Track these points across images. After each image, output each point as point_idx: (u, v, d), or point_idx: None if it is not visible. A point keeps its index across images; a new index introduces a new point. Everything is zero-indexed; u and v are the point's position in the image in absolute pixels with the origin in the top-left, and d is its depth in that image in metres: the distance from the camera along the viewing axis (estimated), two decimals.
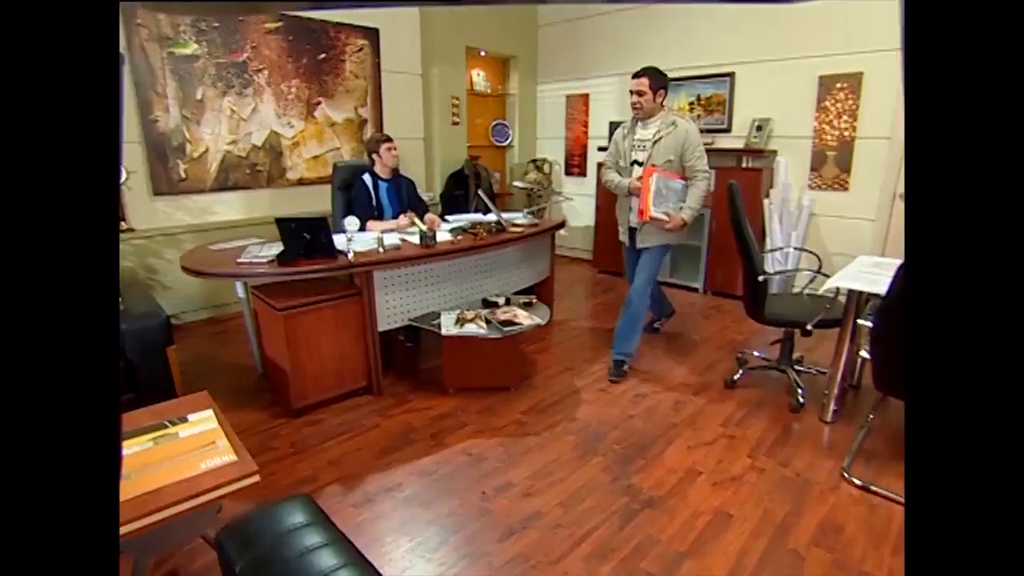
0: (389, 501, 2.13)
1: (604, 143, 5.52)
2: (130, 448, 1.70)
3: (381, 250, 2.81)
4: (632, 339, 3.17)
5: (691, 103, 5.06)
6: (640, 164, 3.05)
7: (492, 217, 3.54)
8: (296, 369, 2.67)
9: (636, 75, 3.01)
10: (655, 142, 2.99)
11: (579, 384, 3.09)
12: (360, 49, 4.69)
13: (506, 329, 2.71)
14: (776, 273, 4.18)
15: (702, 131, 4.86)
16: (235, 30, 4.00)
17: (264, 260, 2.69)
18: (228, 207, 4.24)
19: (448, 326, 2.77)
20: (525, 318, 2.82)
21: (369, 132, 4.89)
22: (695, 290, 4.93)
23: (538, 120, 6.32)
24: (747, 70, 4.69)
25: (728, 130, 4.86)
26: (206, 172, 4.07)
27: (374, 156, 3.45)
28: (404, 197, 3.53)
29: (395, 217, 3.49)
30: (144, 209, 3.84)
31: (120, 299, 2.66)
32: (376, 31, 4.74)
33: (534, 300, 3.11)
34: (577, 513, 2.05)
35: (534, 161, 6.05)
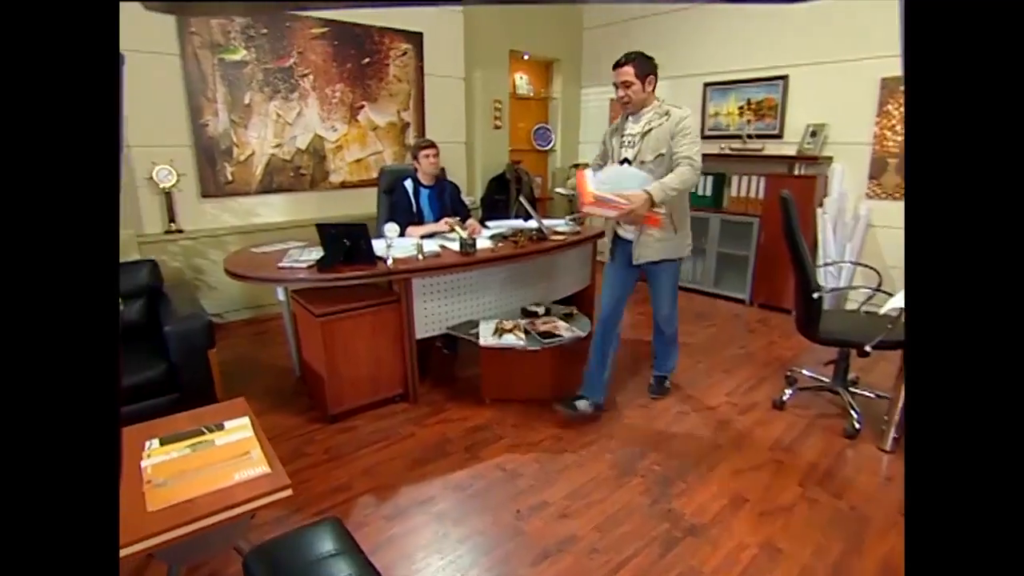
0: (421, 515, 2.09)
1: None
2: (168, 454, 1.70)
3: (420, 257, 2.78)
4: (672, 356, 3.03)
5: (740, 108, 4.88)
6: (630, 162, 2.62)
7: (533, 224, 3.48)
8: (332, 375, 2.66)
9: (618, 64, 2.57)
10: (644, 135, 2.56)
11: (619, 399, 2.99)
12: (404, 53, 4.70)
13: (546, 341, 2.64)
14: (833, 290, 3.98)
15: (751, 137, 4.71)
16: (283, 36, 4.06)
17: (304, 265, 2.70)
18: (272, 209, 4.31)
19: (486, 336, 2.72)
20: (565, 330, 2.75)
21: (411, 136, 4.90)
22: (741, 301, 4.75)
23: (581, 124, 6.22)
24: (802, 72, 4.49)
25: (780, 136, 4.67)
26: (252, 175, 4.15)
27: (415, 162, 3.45)
28: (447, 203, 3.49)
29: (434, 221, 3.47)
30: (192, 211, 3.93)
31: (120, 302, 2.68)
32: (420, 35, 4.74)
33: (574, 311, 3.03)
34: (614, 538, 1.97)
35: (576, 166, 5.96)
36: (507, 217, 4.83)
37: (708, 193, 4.89)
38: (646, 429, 2.69)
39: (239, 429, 1.82)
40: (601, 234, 3.79)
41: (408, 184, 3.46)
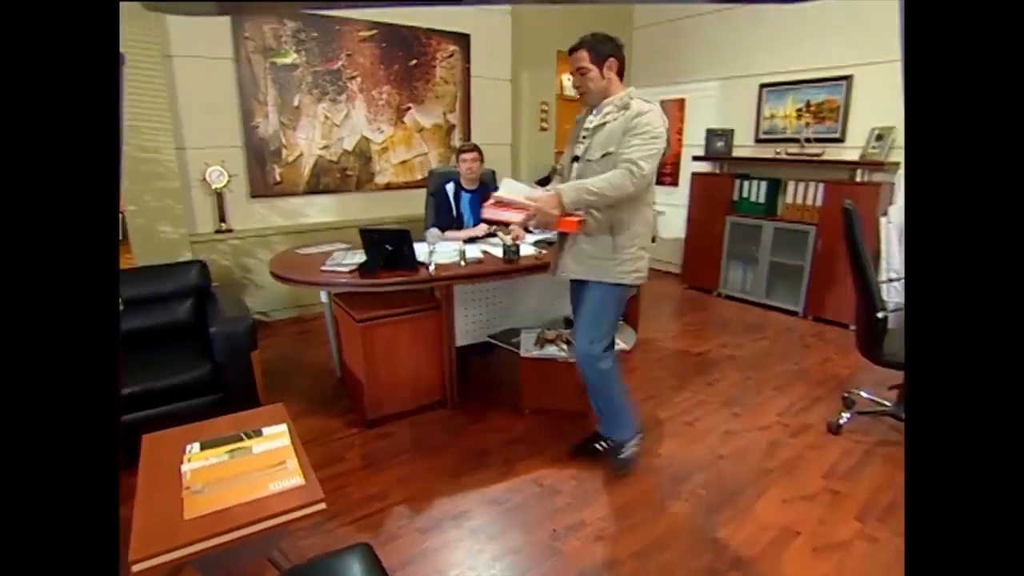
0: (456, 529, 2.05)
1: (700, 151, 5.22)
2: (207, 459, 1.71)
3: (463, 263, 2.75)
4: (619, 420, 2.39)
5: (798, 110, 4.66)
6: (578, 159, 2.25)
7: None
8: (371, 380, 2.66)
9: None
10: (597, 128, 2.15)
11: (662, 415, 2.88)
12: (450, 55, 4.68)
13: None
14: (898, 309, 3.74)
15: (809, 140, 4.48)
16: (332, 39, 4.10)
17: (346, 269, 2.70)
18: (318, 210, 4.37)
19: (528, 347, 2.65)
20: None
21: (457, 138, 4.89)
22: (794, 313, 4.54)
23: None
24: (868, 72, 4.24)
25: (841, 140, 4.42)
26: (299, 176, 4.21)
27: (458, 165, 3.42)
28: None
29: (475, 225, 3.43)
30: (242, 210, 4.01)
31: (120, 303, 2.68)
32: (467, 37, 4.72)
33: (620, 321, 2.92)
34: (655, 567, 1.88)
35: None
36: None
37: (761, 200, 4.69)
38: (691, 448, 2.58)
39: (277, 437, 1.82)
40: (652, 240, 3.67)
41: (450, 187, 3.44)
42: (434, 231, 2.79)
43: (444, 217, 3.40)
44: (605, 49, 2.12)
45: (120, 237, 3.64)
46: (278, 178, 4.11)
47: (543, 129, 5.36)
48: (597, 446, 2.46)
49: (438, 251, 2.81)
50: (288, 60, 3.99)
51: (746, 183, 4.79)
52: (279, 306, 4.29)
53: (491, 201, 2.22)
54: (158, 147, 3.58)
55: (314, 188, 4.31)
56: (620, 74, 2.16)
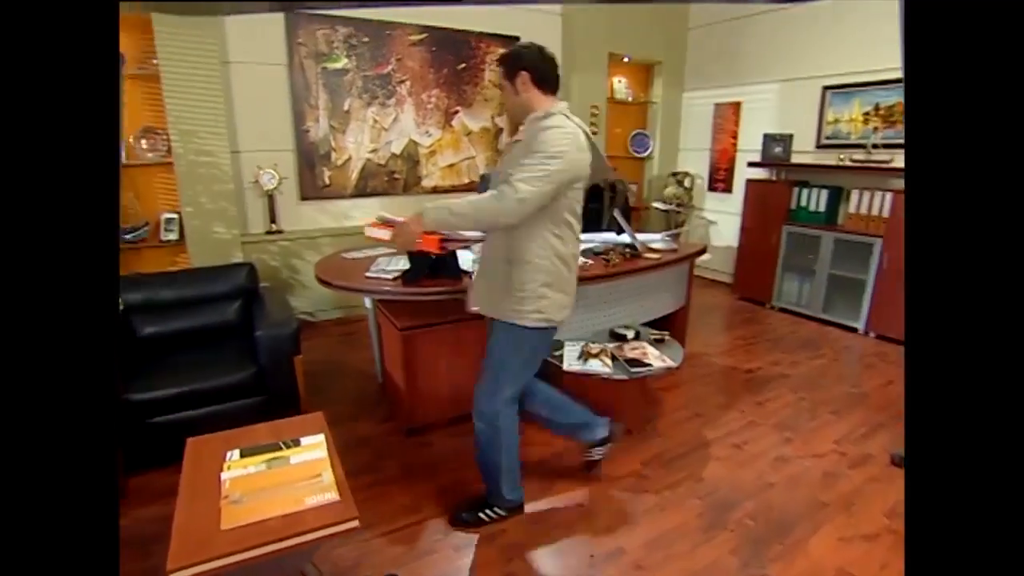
0: (491, 548, 2.01)
1: (755, 157, 5.01)
2: (246, 468, 1.72)
3: None
4: (499, 482, 2.09)
5: (866, 114, 4.40)
6: (486, 177, 2.06)
7: (626, 239, 3.29)
8: (412, 389, 2.64)
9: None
10: (511, 145, 1.96)
11: (709, 435, 2.75)
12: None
13: (634, 371, 2.47)
14: None
15: (877, 146, 4.22)
16: (383, 44, 4.13)
17: (390, 276, 2.69)
18: (365, 212, 4.40)
19: (571, 360, 2.58)
20: (656, 359, 2.56)
21: (504, 141, 4.85)
22: (854, 330, 4.29)
23: (681, 130, 5.91)
24: None
25: None
26: (347, 179, 4.26)
27: None
28: None
29: None
30: (292, 213, 4.09)
31: (119, 302, 2.69)
32: (516, 39, 4.67)
33: (667, 336, 2.82)
34: None
35: (675, 174, 5.67)
36: (600, 228, 4.66)
37: (821, 209, 4.46)
38: (738, 473, 2.45)
39: (314, 447, 1.82)
40: (702, 251, 3.53)
41: None
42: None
43: None
44: (518, 63, 1.87)
45: (177, 237, 3.77)
46: (327, 181, 4.17)
47: (593, 133, 5.22)
48: (482, 515, 2.12)
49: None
50: (339, 65, 4.04)
51: (805, 191, 4.56)
52: (325, 307, 4.35)
53: (373, 219, 2.06)
54: (214, 151, 3.68)
55: (362, 191, 4.36)
56: (543, 86, 1.88)
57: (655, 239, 3.44)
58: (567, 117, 1.86)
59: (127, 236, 3.68)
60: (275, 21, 3.79)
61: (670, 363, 2.53)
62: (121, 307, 2.72)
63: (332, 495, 1.59)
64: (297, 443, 1.85)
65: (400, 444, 2.67)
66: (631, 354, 2.60)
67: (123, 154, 3.59)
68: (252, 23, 3.74)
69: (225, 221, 3.79)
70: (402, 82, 4.29)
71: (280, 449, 1.81)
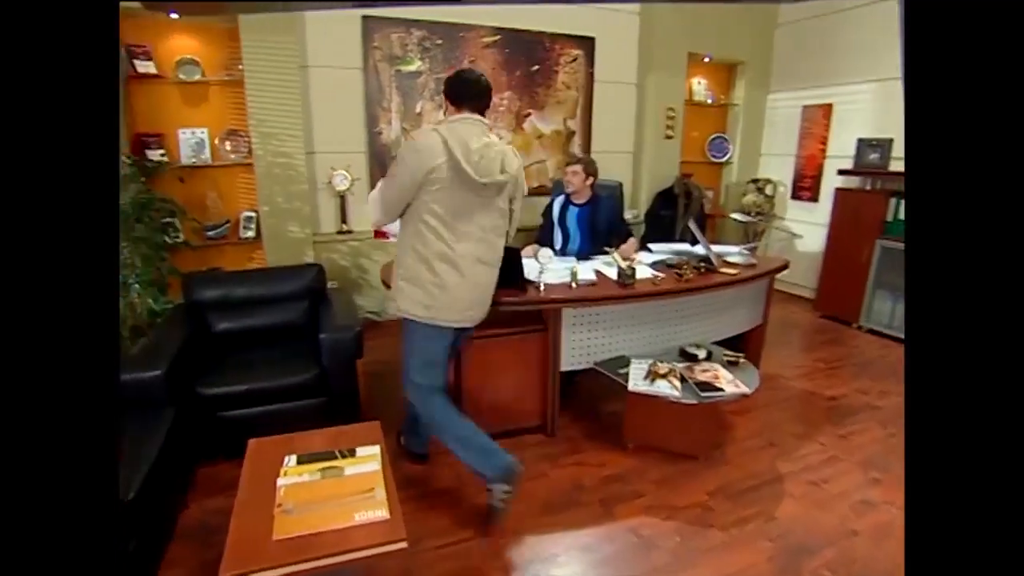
0: None
1: (847, 164, 4.65)
2: (301, 475, 1.72)
3: (574, 285, 2.61)
4: (472, 464, 2.15)
5: None
6: None
7: (700, 250, 3.12)
8: (470, 399, 2.60)
9: None
10: None
11: (784, 469, 2.54)
12: (573, 59, 4.54)
13: (704, 395, 2.31)
14: None
15: None
16: (456, 46, 4.12)
17: None
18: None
19: (637, 380, 2.45)
20: (728, 383, 2.39)
21: (576, 145, 4.75)
22: None
23: (764, 134, 5.57)
24: None
25: None
26: None
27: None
28: (600, 223, 3.25)
29: (584, 246, 3.26)
30: (362, 213, 4.15)
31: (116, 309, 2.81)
32: (591, 40, 4.55)
33: (741, 359, 2.63)
34: None
35: (755, 181, 5.35)
36: (672, 236, 4.48)
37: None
38: (816, 515, 2.24)
39: (369, 459, 1.80)
40: (784, 266, 3.29)
41: (558, 201, 3.32)
42: (546, 251, 2.67)
43: (544, 232, 3.32)
44: (450, 89, 2.14)
45: (255, 235, 3.92)
46: None
47: (668, 137, 5.05)
48: (492, 503, 2.07)
49: (549, 270, 2.69)
50: (412, 67, 4.06)
51: (903, 202, 4.18)
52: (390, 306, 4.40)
53: None
54: (291, 152, 3.79)
55: None
56: (454, 101, 2.13)
57: (732, 252, 3.23)
58: (431, 126, 2.05)
59: (209, 233, 3.86)
60: (352, 25, 3.86)
61: (744, 389, 2.35)
62: (187, 302, 2.84)
63: (382, 513, 1.56)
64: (353, 453, 1.84)
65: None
66: (702, 376, 2.44)
67: (208, 155, 3.78)
68: (330, 28, 3.82)
69: (299, 220, 3.90)
70: None
71: (336, 458, 1.81)
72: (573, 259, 3.09)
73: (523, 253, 2.83)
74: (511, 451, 2.62)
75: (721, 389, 2.34)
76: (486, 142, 2.04)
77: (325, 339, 2.57)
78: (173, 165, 3.67)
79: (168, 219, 3.57)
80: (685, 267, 2.76)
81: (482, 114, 2.13)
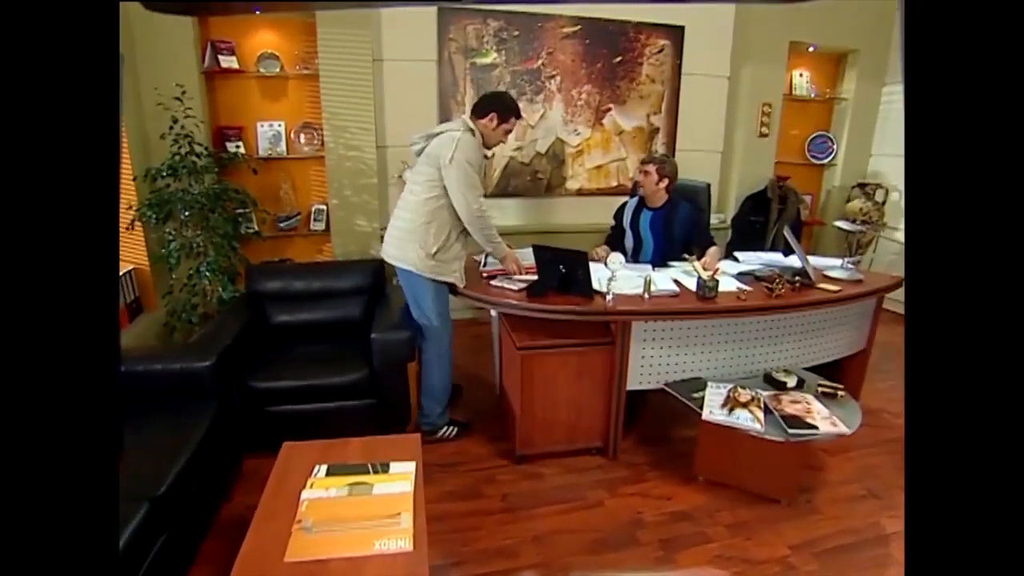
0: None
1: None
2: (328, 490, 1.59)
3: (646, 296, 2.34)
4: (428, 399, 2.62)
5: None
6: None
7: (796, 262, 2.75)
8: (526, 413, 2.40)
9: None
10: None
11: (888, 527, 2.13)
12: (660, 50, 4.21)
13: (792, 432, 1.98)
14: None
15: None
16: (534, 37, 3.93)
17: (515, 288, 2.47)
18: (505, 213, 4.24)
19: (713, 408, 2.15)
20: (823, 419, 2.04)
21: (659, 143, 4.42)
22: None
23: (876, 132, 4.97)
24: None
25: None
26: (490, 177, 4.12)
27: None
28: (675, 229, 2.93)
29: (656, 253, 2.97)
30: None
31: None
32: (680, 29, 4.20)
33: (841, 391, 2.25)
34: None
35: (862, 185, 4.79)
36: (762, 246, 4.06)
37: None
38: None
39: (402, 478, 1.64)
40: (897, 284, 2.84)
41: (631, 203, 3.04)
42: (617, 256, 2.41)
43: (613, 236, 3.07)
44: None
45: (324, 227, 3.91)
46: None
47: (763, 135, 4.61)
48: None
49: (620, 278, 2.44)
50: (488, 60, 3.91)
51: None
52: (457, 306, 4.24)
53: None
54: (361, 145, 3.75)
55: (503, 190, 4.21)
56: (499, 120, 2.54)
57: (834, 266, 2.82)
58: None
59: (281, 224, 3.89)
60: (428, 17, 3.76)
61: (842, 429, 2.00)
62: (244, 292, 2.82)
63: (405, 544, 1.39)
64: (386, 469, 1.69)
65: (508, 471, 2.44)
66: (790, 409, 2.10)
67: (283, 148, 3.81)
68: (406, 21, 3.74)
69: (367, 214, 3.85)
70: (552, 77, 4.05)
71: (367, 473, 1.67)
72: (648, 266, 2.81)
73: (592, 255, 2.60)
74: (565, 472, 2.42)
75: (814, 427, 2.00)
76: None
77: (376, 339, 2.45)
78: (251, 157, 3.72)
79: (241, 210, 3.63)
80: (777, 281, 2.41)
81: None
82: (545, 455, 2.49)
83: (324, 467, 1.70)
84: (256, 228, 3.77)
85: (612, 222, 3.24)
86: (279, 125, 3.83)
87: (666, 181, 2.89)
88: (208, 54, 3.54)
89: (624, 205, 3.12)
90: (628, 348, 2.35)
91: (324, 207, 3.91)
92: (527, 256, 2.58)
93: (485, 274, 2.67)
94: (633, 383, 2.42)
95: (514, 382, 2.42)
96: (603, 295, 2.33)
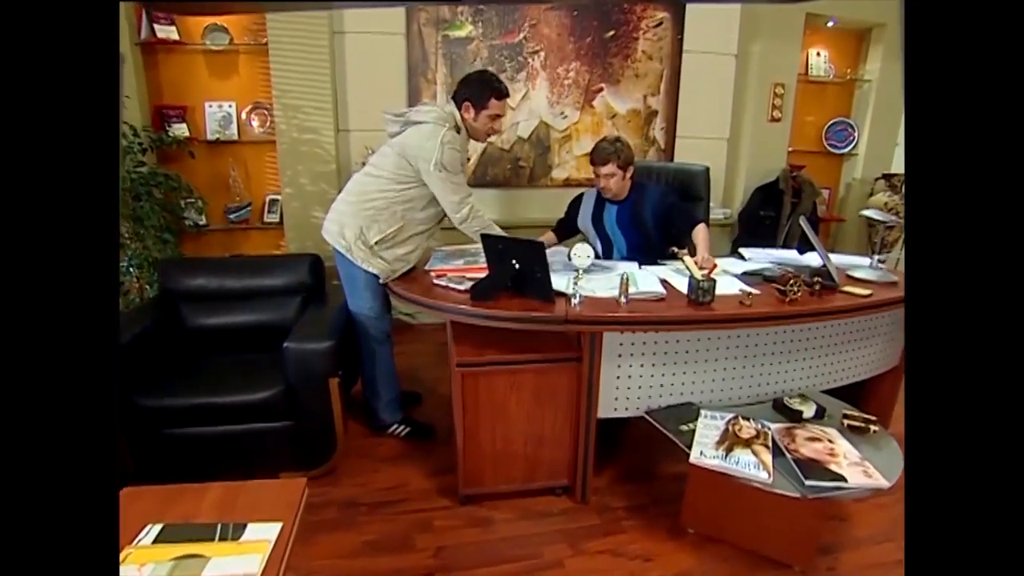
0: None
1: None
2: (142, 568, 1.12)
3: (623, 299, 1.85)
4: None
5: None
6: None
7: (814, 260, 2.25)
8: (470, 445, 1.93)
9: None
10: None
11: None
12: (659, 23, 3.74)
13: (811, 485, 1.48)
14: None
15: None
16: (514, 8, 3.48)
17: (461, 287, 2.00)
18: (481, 205, 3.66)
19: (705, 448, 1.65)
20: (852, 466, 1.53)
21: (657, 127, 3.94)
22: None
23: (903, 117, 4.45)
24: None
25: None
26: (465, 166, 3.67)
27: None
28: (647, 219, 2.44)
29: (632, 250, 2.49)
30: None
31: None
32: (682, 2, 3.72)
33: (874, 425, 1.74)
34: None
35: (887, 176, 4.27)
36: (773, 242, 3.56)
37: None
38: None
39: (254, 549, 1.17)
40: None
41: (589, 198, 2.56)
42: (584, 247, 1.94)
43: (565, 228, 2.71)
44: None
45: (279, 220, 3.49)
46: None
47: (774, 119, 4.11)
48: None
49: (589, 277, 1.96)
50: (463, 33, 3.46)
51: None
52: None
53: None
54: (317, 127, 3.34)
55: (480, 180, 3.76)
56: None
57: (861, 265, 2.32)
58: None
59: (231, 216, 3.48)
60: None
61: (879, 481, 1.49)
62: (157, 293, 2.40)
63: None
64: (240, 533, 1.22)
65: (449, 514, 1.97)
66: (808, 450, 1.60)
67: (235, 130, 3.41)
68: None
69: (325, 205, 3.36)
70: (535, 53, 3.60)
71: (210, 539, 1.20)
72: (633, 264, 2.33)
73: (548, 248, 2.14)
74: (520, 519, 1.94)
75: (840, 477, 1.50)
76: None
77: (289, 349, 2.00)
78: (196, 140, 3.32)
79: (189, 199, 3.24)
80: (792, 282, 1.90)
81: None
82: (496, 496, 2.01)
83: (158, 527, 1.23)
84: (201, 220, 3.36)
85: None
86: (229, 106, 3.43)
87: (631, 169, 2.41)
88: (144, 24, 3.14)
89: (580, 198, 2.63)
90: (599, 365, 1.86)
91: (280, 197, 3.49)
92: None
93: (434, 273, 2.20)
94: (606, 410, 1.93)
95: (456, 406, 1.94)
96: (567, 298, 1.85)
